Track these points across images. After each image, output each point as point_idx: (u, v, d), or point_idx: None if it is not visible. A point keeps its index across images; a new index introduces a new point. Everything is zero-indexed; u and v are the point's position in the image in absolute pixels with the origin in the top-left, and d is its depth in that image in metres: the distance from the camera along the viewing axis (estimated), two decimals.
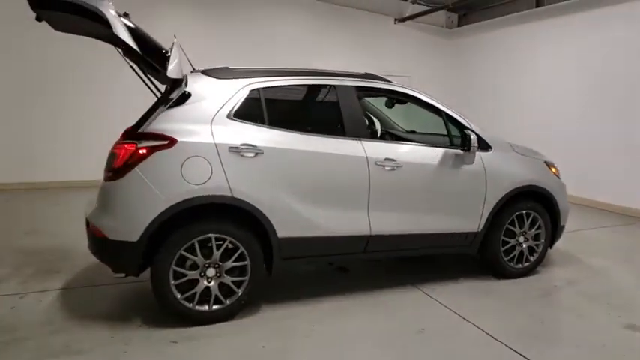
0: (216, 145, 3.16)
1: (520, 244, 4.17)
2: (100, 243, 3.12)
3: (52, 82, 7.74)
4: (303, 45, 9.11)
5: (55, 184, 7.80)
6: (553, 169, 4.37)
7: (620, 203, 7.33)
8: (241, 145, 3.21)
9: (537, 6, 8.51)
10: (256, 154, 3.24)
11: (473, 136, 3.74)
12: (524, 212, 4.12)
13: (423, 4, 9.82)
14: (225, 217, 3.24)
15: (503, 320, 3.42)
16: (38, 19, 3.25)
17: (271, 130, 3.36)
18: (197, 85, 3.32)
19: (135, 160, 3.02)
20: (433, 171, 3.77)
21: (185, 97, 3.26)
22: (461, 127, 3.92)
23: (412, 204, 3.74)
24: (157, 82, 3.92)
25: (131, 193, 3.03)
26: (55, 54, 7.67)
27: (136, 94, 8.01)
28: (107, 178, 3.11)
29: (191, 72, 3.60)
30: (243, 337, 3.07)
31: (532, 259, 4.25)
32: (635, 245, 5.69)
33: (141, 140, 3.08)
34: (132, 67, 4.12)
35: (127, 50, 3.88)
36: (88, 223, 3.24)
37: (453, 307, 3.60)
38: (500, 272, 4.17)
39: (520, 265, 4.20)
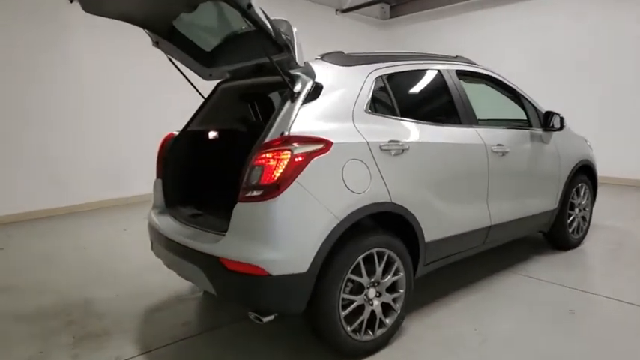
0: (368, 144, 2.68)
1: (577, 215, 4.39)
2: (252, 283, 2.42)
3: None
4: None
5: None
6: (588, 143, 4.68)
7: None
8: (390, 141, 2.78)
9: None
10: (403, 151, 2.83)
11: (561, 116, 3.82)
12: (579, 185, 4.35)
13: None
14: (379, 227, 2.79)
15: (618, 286, 3.55)
16: None
17: (405, 122, 2.98)
18: (324, 75, 2.76)
19: (293, 171, 2.39)
20: (529, 153, 3.76)
21: (318, 89, 2.69)
22: (534, 108, 3.97)
23: (518, 188, 3.69)
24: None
25: (294, 212, 2.40)
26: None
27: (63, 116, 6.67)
28: (250, 199, 2.42)
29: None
30: None
31: (584, 227, 4.53)
32: (625, 205, 6.47)
33: (291, 146, 2.45)
34: (170, 60, 3.37)
35: (170, 40, 3.16)
36: (217, 261, 2.49)
37: (565, 283, 3.63)
38: (564, 244, 4.37)
39: (578, 235, 4.45)
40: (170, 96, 7.41)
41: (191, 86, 3.52)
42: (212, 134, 3.55)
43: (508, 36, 8.85)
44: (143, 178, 7.18)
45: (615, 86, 7.71)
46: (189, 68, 3.41)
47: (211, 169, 3.56)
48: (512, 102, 3.98)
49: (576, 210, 4.38)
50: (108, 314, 3.38)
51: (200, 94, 3.58)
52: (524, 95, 3.96)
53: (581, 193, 4.41)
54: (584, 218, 4.52)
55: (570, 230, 4.32)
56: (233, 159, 3.51)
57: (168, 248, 2.94)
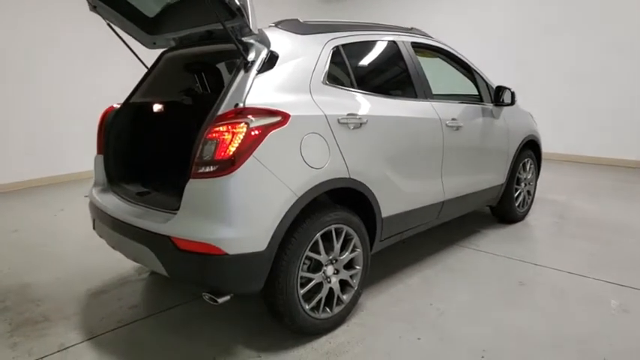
0: (326, 117, 2.59)
1: (523, 189, 4.52)
2: (208, 263, 2.29)
3: None
4: None
5: None
6: (533, 118, 4.79)
7: None
8: (348, 115, 2.70)
9: None
10: (361, 124, 2.76)
11: (512, 90, 3.86)
12: (526, 160, 4.46)
13: None
14: (336, 203, 2.74)
15: (563, 258, 3.69)
16: None
17: (362, 95, 2.90)
18: (280, 44, 2.62)
19: (249, 145, 2.27)
20: (481, 128, 3.79)
21: (273, 59, 2.55)
22: (485, 83, 4.00)
23: (470, 163, 3.72)
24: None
25: (251, 188, 2.28)
26: None
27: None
28: (204, 175, 2.27)
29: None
30: (385, 337, 2.65)
31: (529, 201, 4.68)
32: (564, 179, 6.70)
33: (247, 119, 2.31)
34: (110, 26, 3.11)
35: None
36: (168, 241, 2.33)
37: (514, 256, 3.74)
38: (511, 218, 4.50)
39: (523, 209, 4.59)
40: (110, 65, 7.00)
41: (133, 55, 3.28)
42: (157, 107, 3.33)
43: (453, 14, 8.92)
44: (81, 155, 6.81)
45: (557, 63, 7.98)
46: (131, 35, 3.17)
47: (157, 144, 3.35)
48: (464, 76, 3.99)
49: (522, 184, 4.51)
50: (47, 299, 3.15)
51: (143, 63, 3.35)
52: (476, 69, 3.98)
53: (527, 168, 4.54)
54: (529, 192, 4.67)
55: (517, 204, 4.45)
56: (180, 133, 3.33)
57: (113, 228, 2.74)
